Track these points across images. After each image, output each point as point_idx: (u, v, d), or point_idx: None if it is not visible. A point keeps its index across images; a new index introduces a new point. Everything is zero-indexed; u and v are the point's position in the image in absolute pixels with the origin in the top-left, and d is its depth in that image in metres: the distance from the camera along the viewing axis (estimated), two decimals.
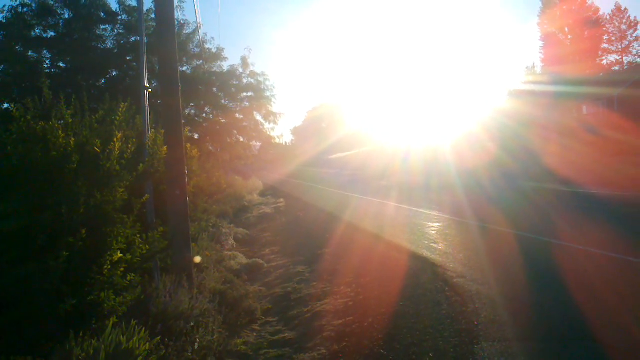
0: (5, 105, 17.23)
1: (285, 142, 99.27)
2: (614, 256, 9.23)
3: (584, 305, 6.73)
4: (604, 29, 61.47)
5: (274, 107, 31.73)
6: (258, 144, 37.49)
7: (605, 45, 62.60)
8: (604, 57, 62.81)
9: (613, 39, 62.43)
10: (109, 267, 5.56)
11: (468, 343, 5.80)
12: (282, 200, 27.73)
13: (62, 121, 6.17)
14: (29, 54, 22.14)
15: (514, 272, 8.90)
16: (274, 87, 30.95)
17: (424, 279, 8.75)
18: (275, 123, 31.97)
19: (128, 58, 23.91)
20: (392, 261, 10.41)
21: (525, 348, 5.56)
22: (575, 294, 7.25)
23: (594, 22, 59.65)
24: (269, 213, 22.74)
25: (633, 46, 61.74)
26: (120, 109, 6.98)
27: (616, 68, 59.86)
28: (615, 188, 19.96)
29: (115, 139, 6.12)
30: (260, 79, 30.49)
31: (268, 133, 33.15)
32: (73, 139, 5.74)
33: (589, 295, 7.10)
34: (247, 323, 7.86)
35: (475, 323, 6.38)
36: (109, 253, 5.60)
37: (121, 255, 5.75)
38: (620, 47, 62.34)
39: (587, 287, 7.50)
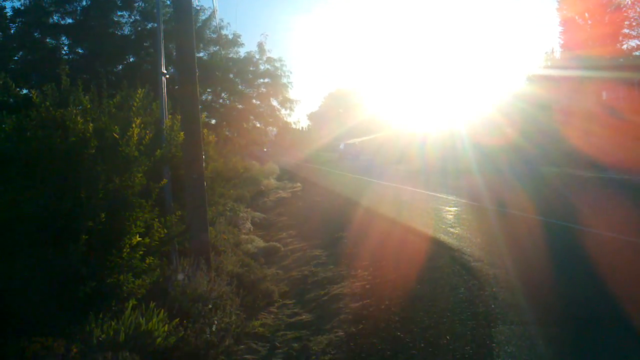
0: (24, 91, 17.41)
1: (302, 128, 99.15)
2: (635, 241, 9.15)
3: (604, 289, 6.70)
4: (625, 14, 60.30)
5: (291, 93, 31.69)
6: (274, 129, 37.52)
7: (626, 31, 61.35)
8: (624, 42, 61.65)
9: (634, 24, 61.20)
10: (128, 250, 5.63)
11: (485, 326, 5.79)
12: (298, 184, 27.76)
13: (81, 107, 6.22)
14: (47, 40, 22.32)
15: (532, 256, 8.86)
16: (290, 73, 30.93)
17: (441, 263, 8.74)
18: (291, 109, 31.97)
19: (145, 44, 23.96)
20: (409, 245, 10.41)
21: (544, 331, 5.55)
22: (594, 278, 7.21)
23: (615, 7, 58.58)
24: (285, 197, 22.81)
25: None
26: (138, 95, 7.02)
27: (637, 53, 58.80)
28: (637, 173, 19.72)
29: (133, 125, 6.17)
30: (277, 64, 30.43)
31: (284, 119, 33.17)
32: (92, 124, 5.80)
33: (608, 279, 7.05)
34: (265, 305, 7.92)
35: (493, 306, 6.36)
36: (127, 237, 5.66)
37: (140, 238, 5.81)
38: None
39: (607, 271, 7.44)
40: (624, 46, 60.79)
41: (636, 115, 30.32)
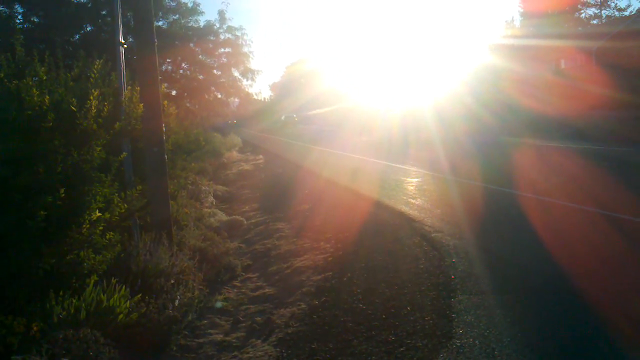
0: None
1: (264, 98, 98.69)
2: (589, 209, 9.40)
3: (558, 257, 6.89)
4: None
5: (252, 64, 31.53)
6: (237, 100, 37.23)
7: None
8: (582, 11, 62.60)
9: None
10: (88, 226, 5.55)
11: (445, 296, 5.92)
12: (261, 157, 27.62)
13: (37, 78, 6.05)
14: (0, 9, 21.54)
15: (490, 226, 9.07)
16: (252, 43, 30.84)
17: (402, 234, 8.87)
18: (253, 80, 31.88)
19: (102, 13, 23.35)
20: (371, 217, 10.50)
21: (501, 300, 5.70)
22: (549, 246, 7.41)
23: None
24: (248, 170, 22.69)
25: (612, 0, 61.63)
26: (96, 66, 6.85)
27: (595, 22, 59.81)
28: (594, 142, 20.15)
29: (91, 97, 6.04)
30: (238, 33, 30.16)
31: (246, 89, 32.94)
32: (48, 97, 5.65)
33: (562, 247, 7.26)
34: (228, 279, 7.92)
35: (453, 277, 6.51)
36: (87, 212, 5.58)
37: (100, 214, 5.74)
38: (599, 1, 62.08)
39: (561, 240, 7.67)
40: (582, 15, 61.77)
41: (593, 84, 30.91)
